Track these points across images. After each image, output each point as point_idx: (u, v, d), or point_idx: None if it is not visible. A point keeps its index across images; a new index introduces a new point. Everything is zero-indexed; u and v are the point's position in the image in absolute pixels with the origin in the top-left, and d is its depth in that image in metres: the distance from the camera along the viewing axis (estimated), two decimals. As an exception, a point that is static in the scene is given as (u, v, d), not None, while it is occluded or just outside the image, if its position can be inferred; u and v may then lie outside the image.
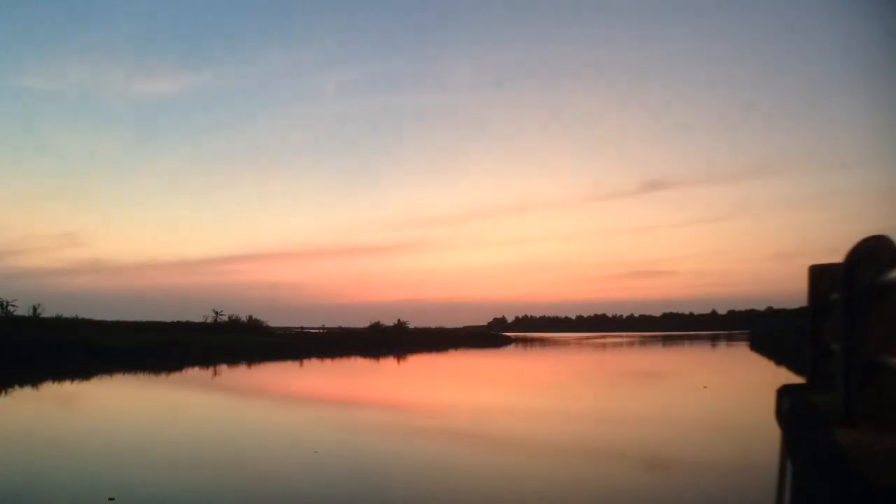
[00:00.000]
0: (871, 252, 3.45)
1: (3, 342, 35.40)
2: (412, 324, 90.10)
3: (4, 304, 52.14)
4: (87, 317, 58.89)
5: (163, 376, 33.48)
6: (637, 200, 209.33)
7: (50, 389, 27.27)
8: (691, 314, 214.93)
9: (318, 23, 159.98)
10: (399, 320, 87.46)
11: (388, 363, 48.57)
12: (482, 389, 29.62)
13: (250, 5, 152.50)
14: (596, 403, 23.13)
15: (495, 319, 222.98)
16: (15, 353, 34.60)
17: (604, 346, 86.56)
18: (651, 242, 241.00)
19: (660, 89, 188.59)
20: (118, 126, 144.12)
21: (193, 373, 36.77)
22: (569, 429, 17.04)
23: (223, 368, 39.48)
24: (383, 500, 9.97)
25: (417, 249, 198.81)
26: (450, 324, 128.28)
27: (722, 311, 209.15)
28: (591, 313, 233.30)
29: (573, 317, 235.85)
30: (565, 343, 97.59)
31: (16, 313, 52.00)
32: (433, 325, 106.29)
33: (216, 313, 68.82)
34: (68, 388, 28.12)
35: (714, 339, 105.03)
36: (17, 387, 27.33)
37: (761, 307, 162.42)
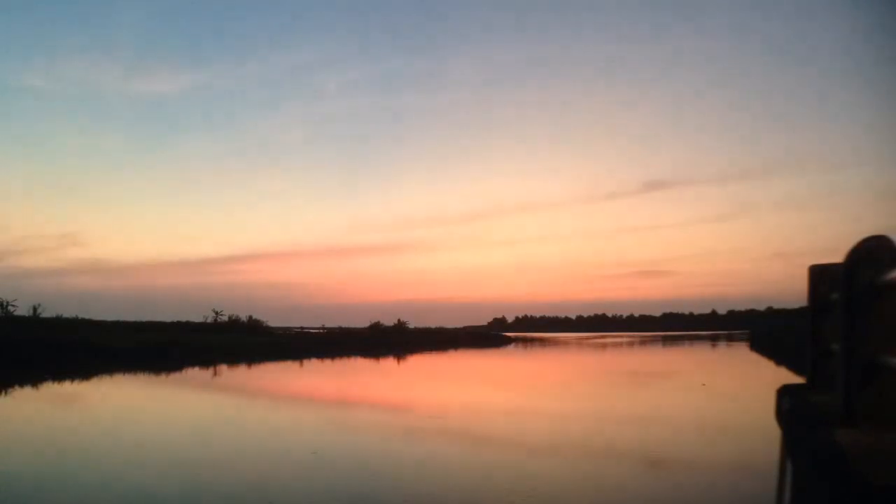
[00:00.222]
0: (871, 252, 3.45)
1: (3, 342, 35.40)
2: (412, 324, 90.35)
3: (4, 304, 52.19)
4: (87, 317, 59.07)
5: (163, 376, 33.47)
6: (637, 200, 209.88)
7: (50, 389, 27.25)
8: (691, 314, 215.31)
9: (319, 22, 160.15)
10: (399, 320, 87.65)
11: (388, 363, 48.57)
12: (482, 389, 29.62)
13: (251, 5, 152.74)
14: (595, 403, 23.11)
15: (495, 319, 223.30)
16: (15, 353, 34.60)
17: (604, 346, 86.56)
18: (651, 242, 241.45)
19: (660, 89, 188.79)
20: (118, 125, 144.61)
21: (193, 373, 36.76)
22: (569, 428, 17.03)
23: (223, 368, 39.47)
24: (381, 502, 9.97)
25: (417, 249, 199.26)
26: (450, 324, 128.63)
27: (722, 311, 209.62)
28: (592, 313, 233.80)
29: (573, 317, 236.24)
30: (565, 343, 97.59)
31: (16, 313, 52.02)
32: (433, 325, 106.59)
33: (216, 313, 68.95)
34: (68, 388, 28.11)
35: (714, 340, 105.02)
36: (17, 387, 27.33)
37: (761, 307, 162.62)
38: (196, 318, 68.21)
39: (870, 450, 2.82)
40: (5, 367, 32.25)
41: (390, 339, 73.52)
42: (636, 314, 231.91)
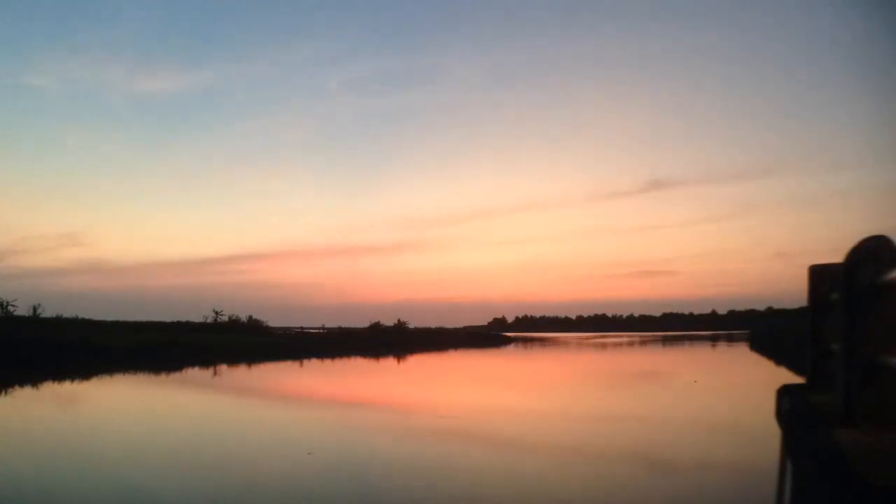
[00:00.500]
0: (871, 252, 3.46)
1: (3, 342, 35.38)
2: (412, 324, 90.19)
3: (4, 304, 52.19)
4: (87, 317, 58.96)
5: (163, 376, 33.46)
6: (638, 200, 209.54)
7: (50, 389, 27.27)
8: (691, 314, 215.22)
9: (319, 22, 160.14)
10: (399, 320, 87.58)
11: (389, 363, 48.57)
12: (481, 389, 29.61)
13: (252, 4, 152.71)
14: (595, 403, 23.11)
15: (495, 319, 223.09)
16: (15, 353, 34.58)
17: (604, 346, 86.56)
18: (652, 242, 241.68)
19: (661, 89, 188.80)
20: (119, 125, 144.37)
21: (193, 373, 36.77)
22: (569, 428, 17.03)
23: (223, 368, 39.48)
24: (380, 502, 9.97)
25: (417, 249, 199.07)
26: (450, 324, 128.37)
27: (722, 311, 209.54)
28: (592, 313, 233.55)
29: (573, 317, 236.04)
30: (565, 343, 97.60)
31: (16, 313, 52.00)
32: (433, 325, 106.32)
33: (216, 313, 68.91)
34: (68, 388, 28.12)
35: (714, 339, 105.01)
36: (17, 387, 27.33)
37: (761, 307, 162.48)
38: (196, 318, 68.32)
39: (870, 450, 2.82)
40: (5, 367, 32.24)
41: (390, 339, 73.49)
42: (636, 314, 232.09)
